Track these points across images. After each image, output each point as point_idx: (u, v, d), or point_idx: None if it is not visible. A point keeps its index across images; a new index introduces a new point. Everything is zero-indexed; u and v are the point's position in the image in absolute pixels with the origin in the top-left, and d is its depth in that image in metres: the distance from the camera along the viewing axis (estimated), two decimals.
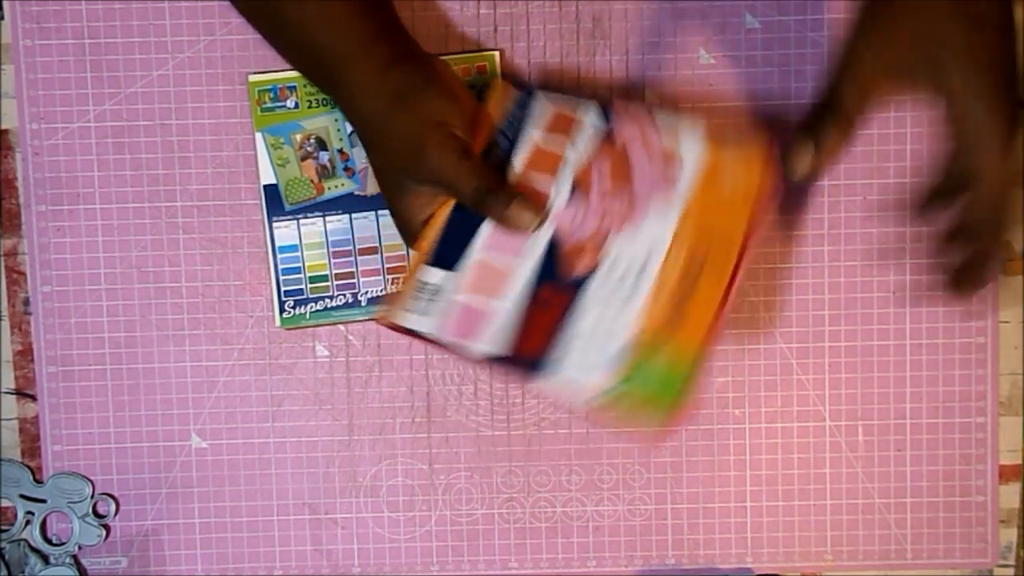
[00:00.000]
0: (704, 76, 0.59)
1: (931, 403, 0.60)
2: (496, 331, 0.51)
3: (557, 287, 0.51)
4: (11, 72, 0.59)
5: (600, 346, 0.51)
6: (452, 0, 0.59)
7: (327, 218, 0.58)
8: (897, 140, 0.59)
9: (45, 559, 0.61)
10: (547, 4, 0.59)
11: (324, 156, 0.58)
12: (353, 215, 0.58)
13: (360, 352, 0.60)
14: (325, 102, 0.58)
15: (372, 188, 0.58)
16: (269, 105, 0.58)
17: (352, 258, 0.59)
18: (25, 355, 0.61)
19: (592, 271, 0.51)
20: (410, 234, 0.52)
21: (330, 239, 0.59)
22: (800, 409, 0.60)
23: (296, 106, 0.58)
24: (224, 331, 0.60)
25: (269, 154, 0.58)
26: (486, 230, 0.51)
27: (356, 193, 0.58)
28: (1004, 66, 0.42)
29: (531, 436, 0.61)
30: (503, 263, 0.51)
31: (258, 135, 0.58)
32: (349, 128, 0.58)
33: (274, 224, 0.59)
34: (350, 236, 0.59)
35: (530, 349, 0.51)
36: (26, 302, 0.60)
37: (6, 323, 0.61)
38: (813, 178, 0.46)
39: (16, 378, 0.61)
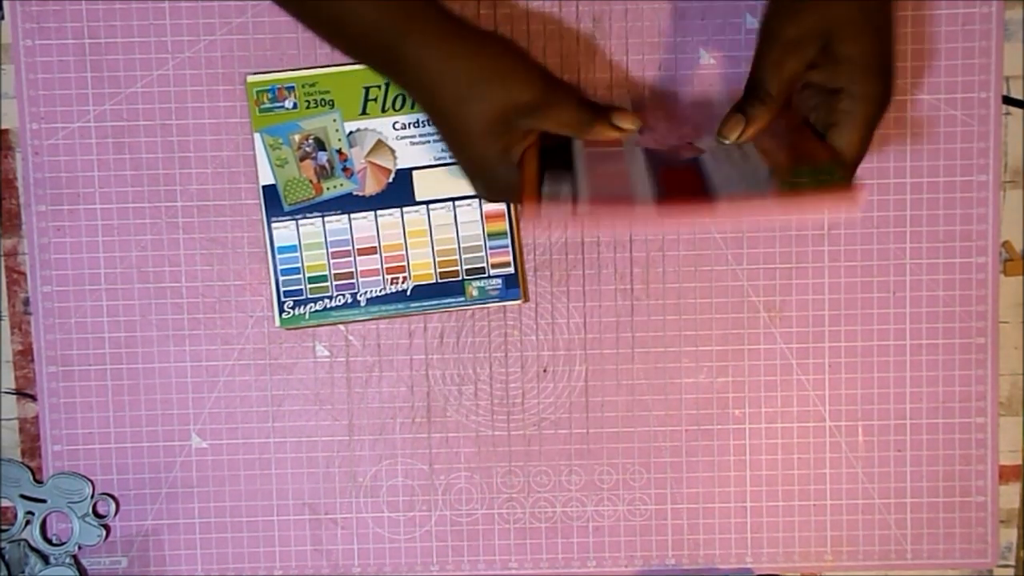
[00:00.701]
0: (704, 76, 0.59)
1: (931, 403, 0.60)
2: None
3: (674, 167, 0.51)
4: (11, 72, 0.59)
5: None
6: (452, 0, 0.59)
7: (326, 218, 0.58)
8: (897, 140, 0.59)
9: (45, 559, 0.61)
10: (547, 4, 0.59)
11: (323, 156, 0.58)
12: (352, 215, 0.58)
13: (360, 352, 0.60)
14: (323, 102, 0.58)
15: (371, 188, 0.58)
16: (267, 106, 0.58)
17: (351, 258, 0.59)
18: (25, 355, 0.61)
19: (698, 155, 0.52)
20: (503, 176, 0.50)
21: (329, 239, 0.59)
22: (800, 409, 0.60)
23: (295, 106, 0.58)
24: (224, 331, 0.60)
25: (268, 154, 0.58)
26: (580, 154, 0.52)
27: (355, 193, 0.58)
28: (887, 33, 0.49)
29: (531, 436, 0.61)
30: (615, 170, 0.51)
31: (256, 136, 0.58)
32: (348, 128, 0.58)
33: (273, 224, 0.59)
34: (349, 236, 0.59)
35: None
36: (26, 302, 0.60)
37: (6, 323, 0.61)
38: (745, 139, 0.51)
39: (16, 378, 0.61)
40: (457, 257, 0.58)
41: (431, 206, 0.58)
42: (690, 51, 0.59)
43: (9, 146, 0.60)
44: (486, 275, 0.59)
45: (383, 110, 0.58)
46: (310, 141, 0.58)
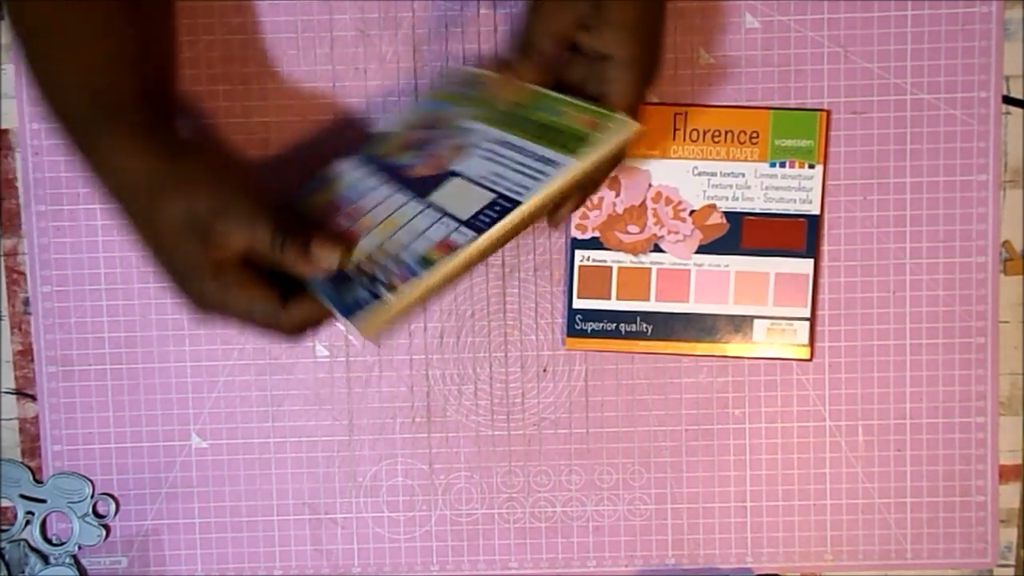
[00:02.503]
0: (704, 76, 0.59)
1: (931, 403, 0.60)
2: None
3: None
4: (11, 72, 0.59)
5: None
6: (452, 0, 0.59)
7: None
8: (897, 140, 0.59)
9: (45, 559, 0.61)
10: None
11: None
12: None
13: (360, 352, 0.60)
14: None
15: None
16: None
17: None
18: (25, 355, 0.61)
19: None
20: (197, 285, 0.48)
21: None
22: (800, 409, 0.60)
23: None
24: (224, 331, 0.60)
25: None
26: None
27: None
28: (659, 16, 0.49)
29: (531, 436, 0.61)
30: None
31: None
32: None
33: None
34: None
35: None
36: (26, 302, 0.60)
37: (6, 323, 0.61)
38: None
39: (16, 378, 0.61)
40: None
41: None
42: (690, 51, 0.59)
43: (9, 146, 0.60)
44: None
45: None
46: None
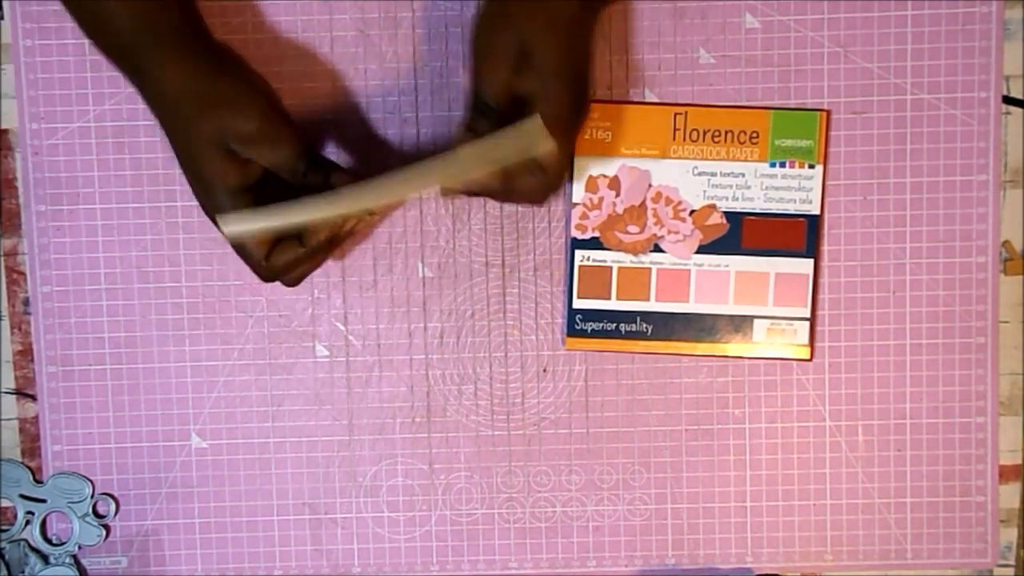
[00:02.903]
0: (704, 76, 0.59)
1: (931, 403, 0.60)
2: None
3: None
4: (11, 72, 0.59)
5: None
6: (452, 0, 0.59)
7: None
8: (897, 140, 0.59)
9: (45, 559, 0.61)
10: None
11: None
12: None
13: (360, 352, 0.60)
14: None
15: None
16: None
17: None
18: (25, 355, 0.61)
19: None
20: (220, 200, 0.51)
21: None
22: (800, 409, 0.60)
23: None
24: (224, 331, 0.60)
25: None
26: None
27: None
28: (579, 39, 0.52)
29: (531, 436, 0.61)
30: None
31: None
32: None
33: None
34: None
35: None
36: (26, 302, 0.60)
37: (6, 323, 0.61)
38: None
39: (16, 378, 0.61)
40: None
41: None
42: (690, 51, 0.59)
43: (9, 146, 0.60)
44: None
45: None
46: None
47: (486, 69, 0.52)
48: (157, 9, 0.50)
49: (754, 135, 0.58)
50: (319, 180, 0.52)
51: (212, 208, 0.52)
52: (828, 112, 0.59)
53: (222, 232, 0.50)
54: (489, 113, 0.52)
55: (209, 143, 0.50)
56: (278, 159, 0.51)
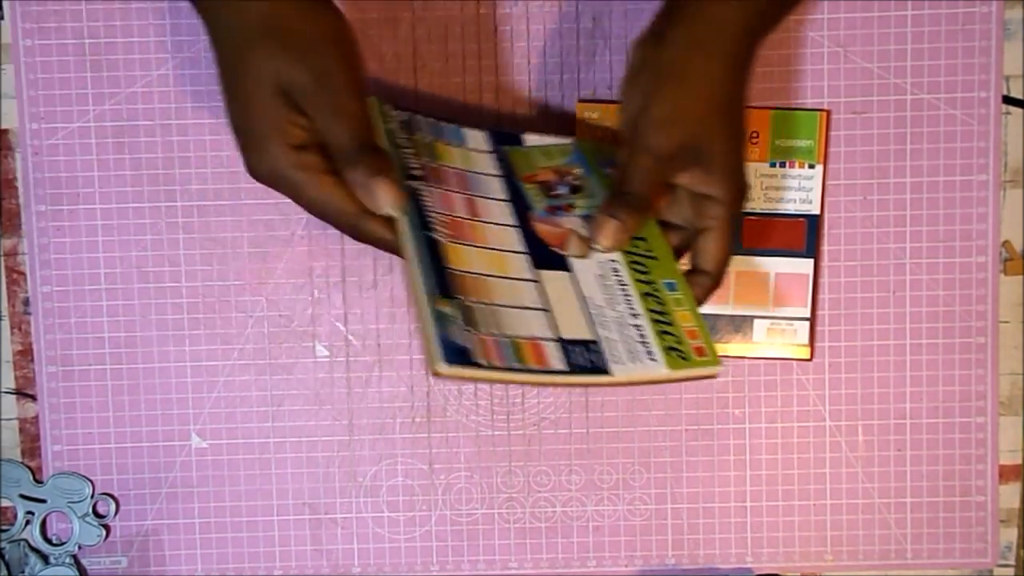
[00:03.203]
0: None
1: (931, 403, 0.60)
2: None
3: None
4: (11, 72, 0.59)
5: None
6: (452, 0, 0.59)
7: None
8: (897, 140, 0.59)
9: (45, 559, 0.61)
10: (547, 4, 0.59)
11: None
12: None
13: (360, 352, 0.60)
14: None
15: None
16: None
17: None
18: (25, 355, 0.61)
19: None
20: (265, 154, 0.45)
21: None
22: (800, 409, 0.60)
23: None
24: (224, 331, 0.60)
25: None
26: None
27: None
28: (744, 133, 0.50)
29: (531, 436, 0.61)
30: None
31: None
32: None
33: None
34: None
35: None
36: (26, 302, 0.60)
37: (6, 323, 0.61)
38: (622, 247, 0.50)
39: (16, 378, 0.61)
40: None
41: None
42: None
43: (9, 146, 0.60)
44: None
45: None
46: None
47: (644, 163, 0.48)
48: None
49: (754, 135, 0.58)
50: (361, 176, 0.44)
51: (261, 164, 0.45)
52: (828, 112, 0.59)
53: (432, 372, 0.42)
54: (641, 207, 0.49)
55: (263, 82, 0.43)
56: (330, 133, 0.44)
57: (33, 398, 0.61)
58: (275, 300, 0.60)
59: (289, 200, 0.53)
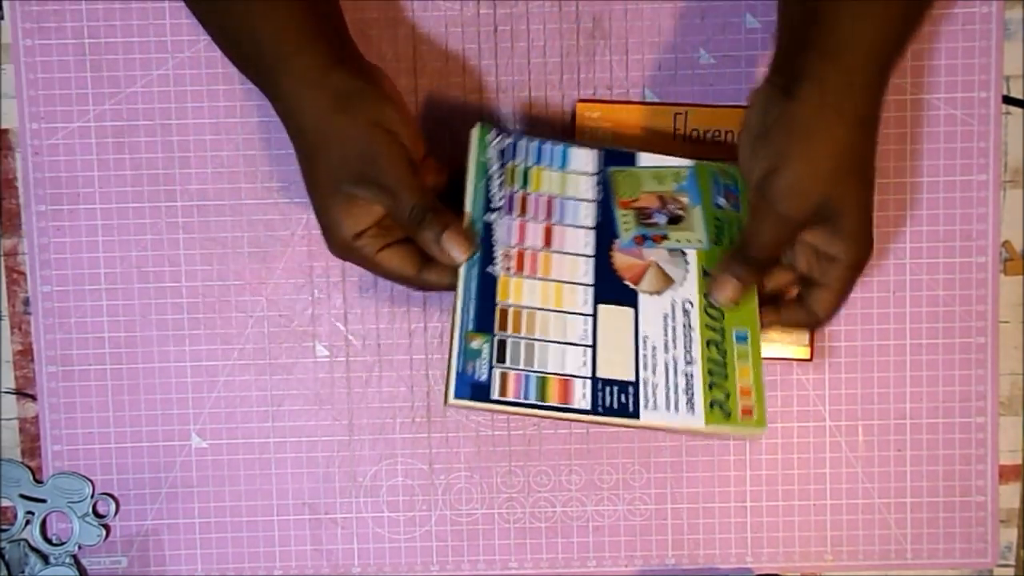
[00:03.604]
0: (704, 76, 0.59)
1: (931, 403, 0.60)
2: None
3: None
4: (11, 72, 0.59)
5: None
6: (452, 0, 0.59)
7: None
8: (897, 140, 0.59)
9: (45, 559, 0.61)
10: (547, 4, 0.59)
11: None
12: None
13: (360, 352, 0.60)
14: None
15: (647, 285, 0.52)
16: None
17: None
18: (25, 355, 0.61)
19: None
20: (336, 244, 0.50)
21: None
22: (800, 409, 0.60)
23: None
24: (224, 331, 0.60)
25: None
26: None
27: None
28: (872, 199, 0.49)
29: (531, 436, 0.61)
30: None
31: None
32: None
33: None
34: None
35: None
36: (26, 302, 0.60)
37: (6, 323, 0.61)
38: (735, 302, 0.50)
39: (16, 378, 0.61)
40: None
41: None
42: (690, 51, 0.59)
43: (9, 146, 0.60)
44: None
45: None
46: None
47: (772, 228, 0.49)
48: (296, 32, 0.48)
49: None
50: (430, 236, 0.49)
51: (334, 242, 0.50)
52: None
53: (444, 401, 0.47)
54: (762, 268, 0.50)
55: (328, 185, 0.49)
56: (393, 208, 0.49)
57: (33, 398, 0.61)
58: (275, 300, 0.60)
59: (289, 200, 0.59)
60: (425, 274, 0.51)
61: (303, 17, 0.49)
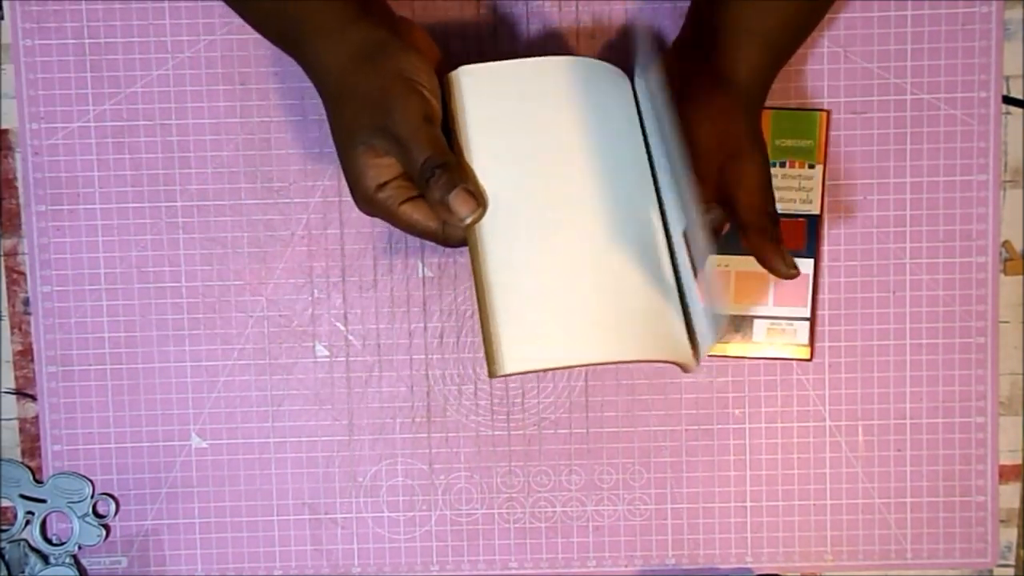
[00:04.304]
0: None
1: (931, 403, 0.60)
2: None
3: None
4: (11, 72, 0.59)
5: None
6: (452, 0, 0.59)
7: None
8: (897, 140, 0.59)
9: (45, 559, 0.61)
10: (547, 4, 0.59)
11: None
12: None
13: (360, 352, 0.60)
14: None
15: None
16: None
17: None
18: (25, 355, 0.61)
19: None
20: (359, 196, 0.49)
21: None
22: (800, 409, 0.60)
23: None
24: (224, 331, 0.60)
25: None
26: None
27: None
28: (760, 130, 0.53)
29: (531, 436, 0.61)
30: None
31: None
32: None
33: None
34: None
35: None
36: (26, 302, 0.60)
37: (6, 323, 0.61)
38: (792, 268, 0.51)
39: (16, 378, 0.61)
40: None
41: None
42: None
43: (9, 146, 0.60)
44: None
45: None
46: None
47: (761, 173, 0.51)
48: None
49: None
50: (436, 194, 0.46)
51: (359, 196, 0.49)
52: (828, 112, 0.59)
53: (495, 373, 0.45)
54: (769, 218, 0.51)
55: (348, 138, 0.48)
56: (406, 164, 0.47)
57: (33, 398, 0.61)
58: (275, 300, 0.60)
59: (289, 200, 0.59)
60: (450, 229, 0.49)
61: None
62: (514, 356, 0.45)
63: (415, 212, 0.49)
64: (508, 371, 0.45)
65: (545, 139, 0.49)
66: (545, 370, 0.48)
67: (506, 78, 0.50)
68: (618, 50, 0.59)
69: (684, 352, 0.48)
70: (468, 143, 0.49)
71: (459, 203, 0.46)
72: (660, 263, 0.49)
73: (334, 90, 0.49)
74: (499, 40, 0.59)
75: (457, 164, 0.47)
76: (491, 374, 0.45)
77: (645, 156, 0.51)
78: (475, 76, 0.49)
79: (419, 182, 0.47)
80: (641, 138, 0.52)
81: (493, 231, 0.47)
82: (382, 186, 0.48)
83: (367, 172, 0.48)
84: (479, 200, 0.47)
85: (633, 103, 0.52)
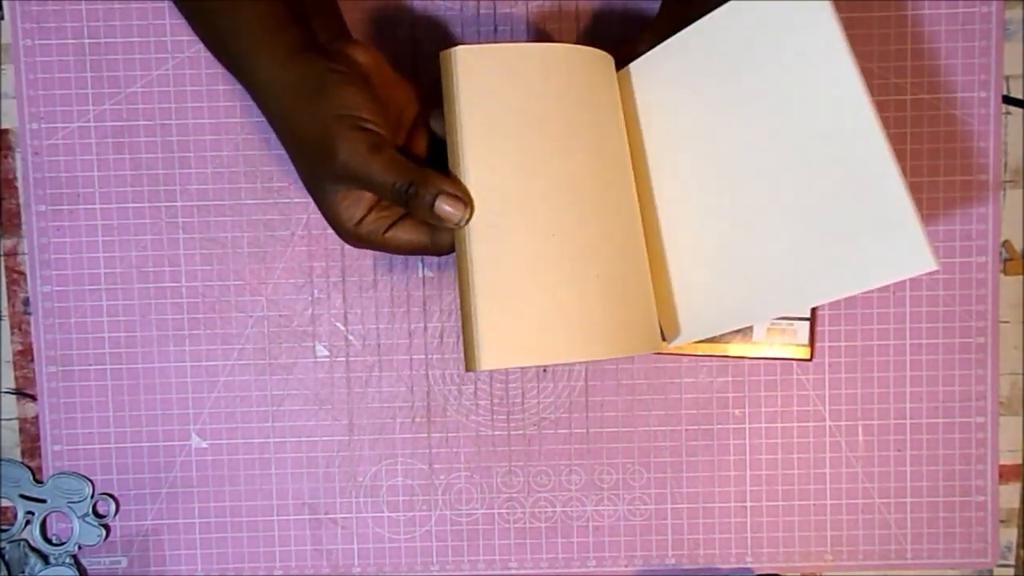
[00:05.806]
0: None
1: (931, 403, 0.60)
2: None
3: None
4: (11, 72, 0.59)
5: None
6: (452, 0, 0.59)
7: None
8: (897, 140, 0.59)
9: (45, 559, 0.61)
10: (547, 4, 0.59)
11: None
12: None
13: (360, 352, 0.60)
14: None
15: None
16: None
17: None
18: (25, 355, 0.61)
19: None
20: (343, 236, 0.49)
21: None
22: (800, 409, 0.60)
23: None
24: (224, 331, 0.60)
25: None
26: None
27: None
28: None
29: (531, 436, 0.61)
30: None
31: None
32: None
33: None
34: None
35: None
36: (26, 302, 0.60)
37: (6, 323, 0.61)
38: None
39: (16, 378, 0.61)
40: None
41: None
42: None
43: (9, 146, 0.60)
44: None
45: None
46: None
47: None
48: (260, 23, 0.48)
49: None
50: (423, 209, 0.46)
51: (345, 239, 0.50)
52: None
53: (471, 368, 0.47)
54: None
55: (315, 184, 0.48)
56: (380, 194, 0.47)
57: (33, 398, 0.61)
58: (275, 300, 0.60)
59: (289, 200, 0.59)
60: (438, 238, 0.49)
61: (268, 10, 0.48)
62: (491, 352, 0.46)
63: (402, 234, 0.49)
64: (483, 367, 0.46)
65: (535, 124, 0.49)
66: (521, 367, 0.49)
67: (502, 60, 0.49)
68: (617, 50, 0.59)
69: (654, 342, 0.52)
70: (459, 121, 0.48)
71: (447, 211, 0.46)
72: (639, 253, 0.52)
73: (284, 135, 0.49)
74: (499, 40, 0.59)
75: (427, 175, 0.47)
76: (468, 368, 0.47)
77: (625, 143, 0.53)
78: (472, 55, 0.49)
79: (400, 205, 0.47)
80: (623, 126, 0.53)
81: (478, 227, 0.47)
82: (360, 221, 0.49)
83: (342, 213, 0.48)
84: (465, 200, 0.47)
85: (618, 92, 0.54)
